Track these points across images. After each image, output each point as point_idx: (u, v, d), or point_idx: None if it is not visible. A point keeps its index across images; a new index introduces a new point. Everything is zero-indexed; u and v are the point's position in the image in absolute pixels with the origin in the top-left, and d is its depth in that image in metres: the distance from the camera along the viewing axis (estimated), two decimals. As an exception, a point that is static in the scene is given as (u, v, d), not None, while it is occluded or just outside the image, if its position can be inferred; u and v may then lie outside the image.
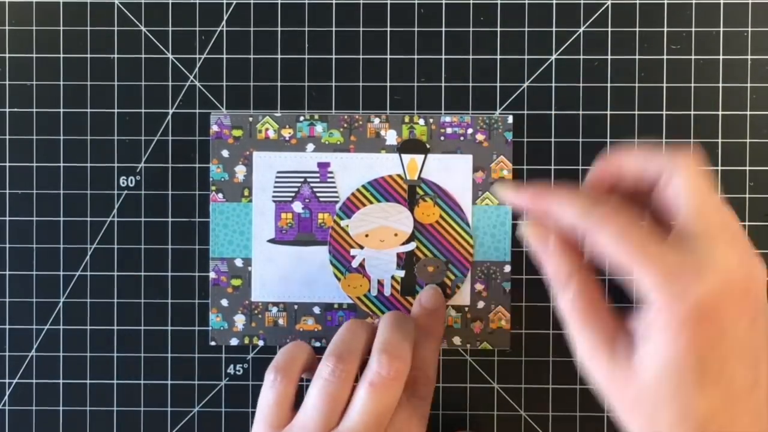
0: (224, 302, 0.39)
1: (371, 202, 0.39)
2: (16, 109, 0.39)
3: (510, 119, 0.39)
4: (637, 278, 0.28)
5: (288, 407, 0.33)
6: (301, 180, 0.39)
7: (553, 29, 0.39)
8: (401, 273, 0.39)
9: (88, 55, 0.39)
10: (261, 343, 0.39)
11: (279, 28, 0.39)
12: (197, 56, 0.39)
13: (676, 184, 0.30)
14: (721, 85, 0.39)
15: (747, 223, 0.39)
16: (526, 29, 0.39)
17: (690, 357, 0.28)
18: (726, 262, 0.28)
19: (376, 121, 0.39)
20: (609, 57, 0.39)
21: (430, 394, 0.35)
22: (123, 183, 0.39)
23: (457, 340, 0.39)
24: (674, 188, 0.30)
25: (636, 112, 0.39)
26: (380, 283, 0.39)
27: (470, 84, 0.39)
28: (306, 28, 0.39)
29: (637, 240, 0.29)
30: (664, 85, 0.39)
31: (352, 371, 0.33)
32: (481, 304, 0.39)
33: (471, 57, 0.39)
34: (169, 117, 0.39)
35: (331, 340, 0.34)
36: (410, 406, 0.34)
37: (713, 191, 0.29)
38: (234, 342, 0.39)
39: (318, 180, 0.39)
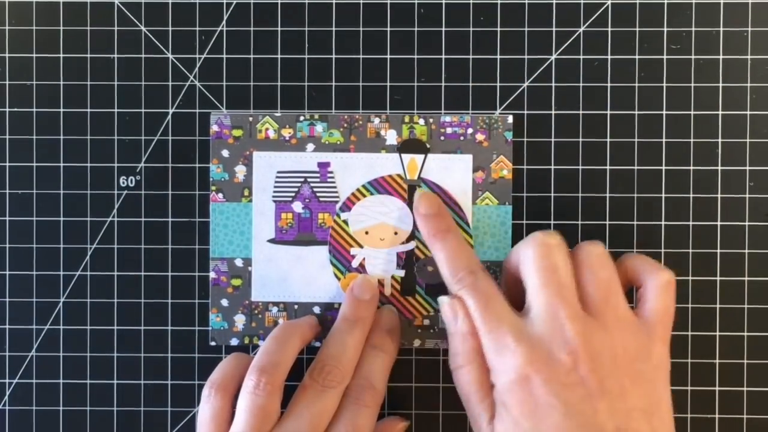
0: (224, 302, 0.39)
1: (371, 202, 0.39)
2: (16, 109, 0.39)
3: (510, 119, 0.39)
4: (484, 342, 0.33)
5: (224, 422, 0.34)
6: (301, 180, 0.39)
7: (553, 29, 0.39)
8: (401, 273, 0.39)
9: (88, 55, 0.39)
10: (261, 343, 0.39)
11: (279, 28, 0.39)
12: (197, 56, 0.39)
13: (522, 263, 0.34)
14: (721, 85, 0.39)
15: (747, 223, 0.39)
16: (526, 29, 0.39)
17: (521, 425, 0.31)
18: (538, 336, 0.32)
19: (376, 121, 0.39)
20: (609, 57, 0.39)
21: (376, 403, 0.35)
22: (123, 183, 0.39)
23: (457, 340, 0.39)
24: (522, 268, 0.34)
25: (636, 112, 0.39)
26: (380, 283, 0.39)
27: (470, 84, 0.39)
28: (306, 28, 0.39)
29: (493, 311, 0.33)
30: (664, 85, 0.39)
31: (277, 382, 0.34)
32: (481, 304, 0.39)
33: (471, 57, 0.39)
34: (169, 117, 0.39)
35: (259, 349, 0.35)
36: (351, 412, 0.34)
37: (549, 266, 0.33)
38: (234, 342, 0.39)
39: (318, 180, 0.39)
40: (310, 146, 0.39)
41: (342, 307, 0.37)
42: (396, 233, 0.39)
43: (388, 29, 0.39)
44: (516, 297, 0.34)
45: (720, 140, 0.39)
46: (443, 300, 0.35)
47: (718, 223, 0.39)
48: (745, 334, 0.39)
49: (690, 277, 0.39)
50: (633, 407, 0.31)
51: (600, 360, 0.31)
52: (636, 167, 0.39)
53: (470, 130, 0.39)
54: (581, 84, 0.39)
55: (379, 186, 0.39)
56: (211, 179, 0.39)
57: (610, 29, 0.39)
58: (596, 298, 0.33)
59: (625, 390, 0.31)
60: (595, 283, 0.33)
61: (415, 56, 0.39)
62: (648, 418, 0.31)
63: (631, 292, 0.36)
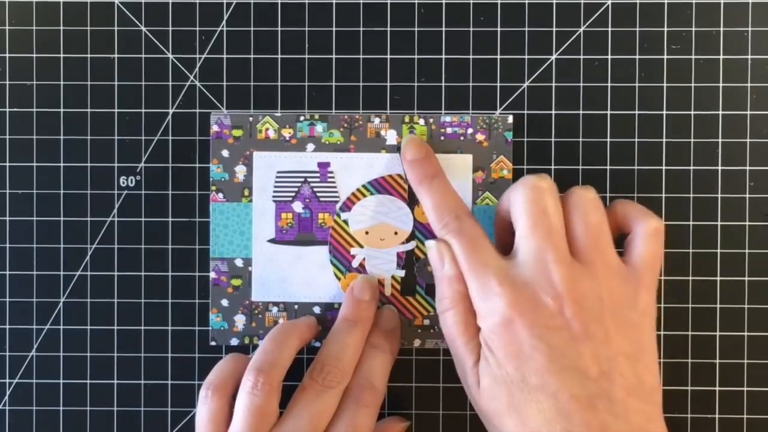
0: (224, 302, 0.39)
1: (371, 202, 0.39)
2: (16, 109, 0.39)
3: (510, 119, 0.39)
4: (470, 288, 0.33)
5: (222, 422, 0.34)
6: (302, 180, 0.39)
7: (553, 29, 0.39)
8: (401, 273, 0.39)
9: (88, 55, 0.39)
10: (261, 343, 0.39)
11: (279, 28, 0.39)
12: (197, 56, 0.39)
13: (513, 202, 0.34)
14: (721, 85, 0.39)
15: (747, 223, 0.39)
16: (526, 29, 0.39)
17: (507, 366, 0.32)
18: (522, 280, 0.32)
19: (376, 121, 0.39)
20: (609, 57, 0.39)
21: (376, 403, 0.35)
22: (123, 183, 0.39)
23: (457, 340, 0.39)
24: (512, 208, 0.34)
25: (636, 112, 0.39)
26: (380, 283, 0.39)
27: (470, 84, 0.39)
28: (306, 28, 0.39)
29: (478, 255, 0.33)
30: (664, 85, 0.39)
31: (274, 382, 0.34)
32: (481, 304, 0.39)
33: (471, 57, 0.39)
34: (169, 117, 0.39)
35: (257, 349, 0.36)
36: (351, 412, 0.34)
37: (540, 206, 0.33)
38: (234, 342, 0.39)
39: (318, 180, 0.39)
40: (310, 146, 0.39)
41: (342, 308, 0.37)
42: (396, 233, 0.39)
43: (388, 29, 0.39)
44: (507, 241, 0.35)
45: (720, 140, 0.39)
46: (430, 244, 0.35)
47: (718, 223, 0.39)
48: (745, 334, 0.39)
49: (690, 277, 0.39)
50: (617, 352, 0.31)
51: (585, 305, 0.31)
52: (636, 167, 0.39)
53: (470, 130, 0.39)
54: (581, 84, 0.39)
55: (379, 186, 0.39)
56: (211, 179, 0.39)
57: (610, 29, 0.39)
58: (585, 242, 0.33)
59: (610, 335, 0.31)
60: (584, 228, 0.33)
61: (415, 56, 0.39)
62: (632, 364, 0.31)
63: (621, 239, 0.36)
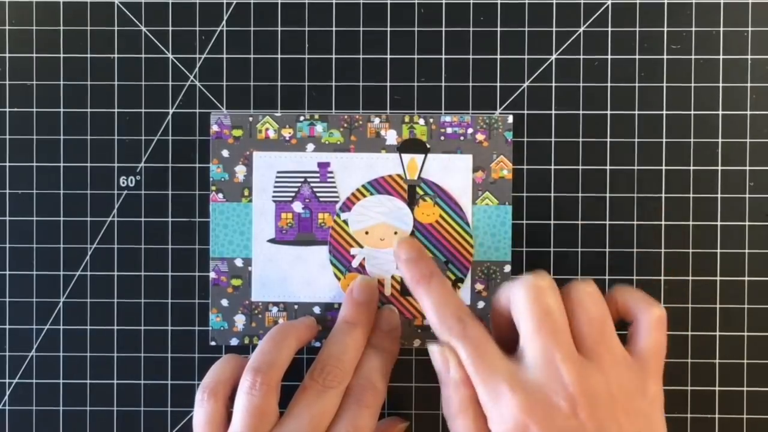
0: (224, 302, 0.39)
1: (371, 202, 0.39)
2: (16, 109, 0.39)
3: (510, 119, 0.39)
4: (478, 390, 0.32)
5: (219, 425, 0.34)
6: (301, 180, 0.39)
7: (553, 29, 0.39)
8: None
9: (88, 55, 0.39)
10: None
11: (279, 28, 0.39)
12: (197, 56, 0.39)
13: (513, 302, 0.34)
14: (721, 85, 0.39)
15: (747, 223, 0.39)
16: (526, 29, 0.39)
17: None
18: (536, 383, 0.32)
19: (376, 121, 0.39)
20: (609, 57, 0.39)
21: (377, 404, 0.35)
22: (123, 183, 0.39)
23: (457, 340, 0.39)
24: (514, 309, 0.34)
25: (636, 112, 0.39)
26: (380, 283, 0.39)
27: (470, 84, 0.39)
28: (306, 28, 0.39)
29: (486, 359, 0.33)
30: (664, 85, 0.39)
31: (272, 382, 0.34)
32: (481, 304, 0.39)
33: (471, 57, 0.39)
34: (169, 117, 0.39)
35: (255, 349, 0.35)
36: (352, 412, 0.34)
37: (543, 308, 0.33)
38: (234, 342, 0.39)
39: (318, 180, 0.39)
40: (310, 146, 0.39)
41: (342, 309, 0.37)
42: (396, 233, 0.39)
43: (388, 29, 0.39)
44: (506, 336, 0.34)
45: (720, 140, 0.39)
46: (433, 348, 0.34)
47: (718, 223, 0.39)
48: (745, 334, 0.39)
49: (690, 277, 0.39)
50: None
51: (597, 402, 0.31)
52: (636, 167, 0.39)
53: (470, 130, 0.39)
54: (581, 84, 0.39)
55: (379, 186, 0.39)
56: (211, 179, 0.39)
57: (610, 29, 0.39)
58: (590, 337, 0.33)
59: (623, 428, 0.31)
60: (588, 323, 0.33)
61: (415, 56, 0.39)
62: None
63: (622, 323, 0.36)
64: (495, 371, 0.32)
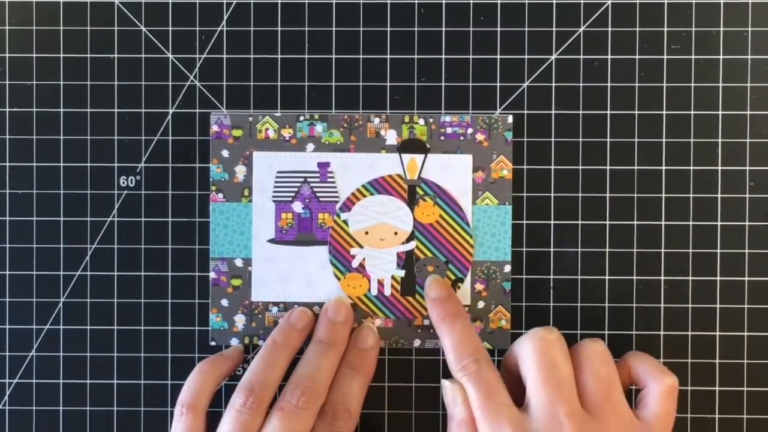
0: (224, 302, 0.39)
1: (371, 202, 0.39)
2: (16, 109, 0.39)
3: (510, 119, 0.39)
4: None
5: None
6: (301, 180, 0.39)
7: (553, 29, 0.39)
8: (401, 273, 0.39)
9: (88, 55, 0.39)
10: (261, 343, 0.39)
11: (279, 28, 0.39)
12: (197, 56, 0.39)
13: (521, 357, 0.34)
14: (721, 85, 0.39)
15: (747, 223, 0.39)
16: (526, 29, 0.39)
17: None
18: None
19: (376, 121, 0.39)
20: (609, 57, 0.39)
21: (349, 427, 0.35)
22: (123, 183, 0.39)
23: (457, 340, 0.39)
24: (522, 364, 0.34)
25: (636, 112, 0.39)
26: (380, 283, 0.39)
27: (470, 84, 0.39)
28: (306, 28, 0.39)
29: (494, 402, 0.33)
30: (664, 85, 0.39)
31: (263, 402, 0.34)
32: (481, 304, 0.39)
33: (471, 57, 0.39)
34: (169, 117, 0.39)
35: (248, 368, 0.36)
36: None
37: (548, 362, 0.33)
38: (234, 342, 0.39)
39: (318, 180, 0.39)
40: (310, 146, 0.39)
41: (316, 329, 0.37)
42: (396, 233, 0.39)
43: (388, 29, 0.39)
44: (516, 391, 0.34)
45: (720, 140, 0.39)
46: (445, 383, 0.35)
47: (718, 223, 0.39)
48: (745, 334, 0.39)
49: (690, 277, 0.39)
50: None
51: None
52: (636, 167, 0.39)
53: (470, 130, 0.39)
54: (581, 84, 0.39)
55: (379, 186, 0.39)
56: (211, 179, 0.39)
57: (610, 29, 0.39)
58: (596, 395, 0.33)
59: None
60: (595, 381, 0.33)
61: (415, 56, 0.39)
62: None
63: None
64: (500, 415, 0.33)
